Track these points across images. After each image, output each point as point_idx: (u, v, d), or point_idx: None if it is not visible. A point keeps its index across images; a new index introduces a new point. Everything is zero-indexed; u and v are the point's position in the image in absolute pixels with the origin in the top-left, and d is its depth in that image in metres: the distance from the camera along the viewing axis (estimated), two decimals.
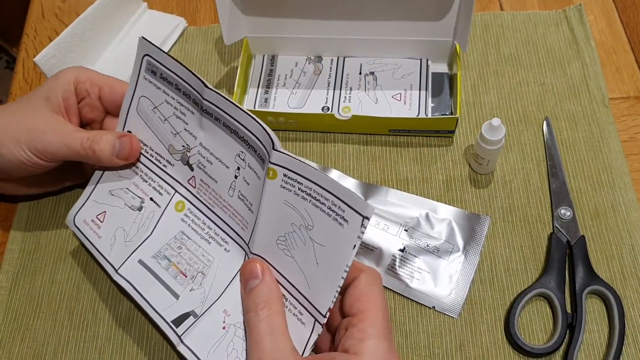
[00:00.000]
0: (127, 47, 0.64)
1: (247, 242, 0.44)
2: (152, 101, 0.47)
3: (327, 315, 0.38)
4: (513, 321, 0.48)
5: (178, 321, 0.43)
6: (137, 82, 0.48)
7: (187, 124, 0.46)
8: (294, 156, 0.39)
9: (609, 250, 0.51)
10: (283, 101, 0.58)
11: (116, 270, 0.46)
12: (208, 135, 0.45)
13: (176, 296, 0.44)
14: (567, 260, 0.50)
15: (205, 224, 0.47)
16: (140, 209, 0.48)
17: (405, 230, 0.52)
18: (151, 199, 0.48)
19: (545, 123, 0.57)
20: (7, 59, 1.35)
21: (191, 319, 0.43)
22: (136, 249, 0.47)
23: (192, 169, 0.47)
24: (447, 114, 0.57)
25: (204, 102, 0.44)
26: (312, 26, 0.58)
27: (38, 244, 0.53)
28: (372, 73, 0.60)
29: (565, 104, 0.59)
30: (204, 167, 0.46)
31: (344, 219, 0.37)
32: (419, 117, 0.56)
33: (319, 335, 0.39)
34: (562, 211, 0.52)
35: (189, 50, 0.65)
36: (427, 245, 0.51)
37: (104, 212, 0.49)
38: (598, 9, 0.66)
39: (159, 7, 0.69)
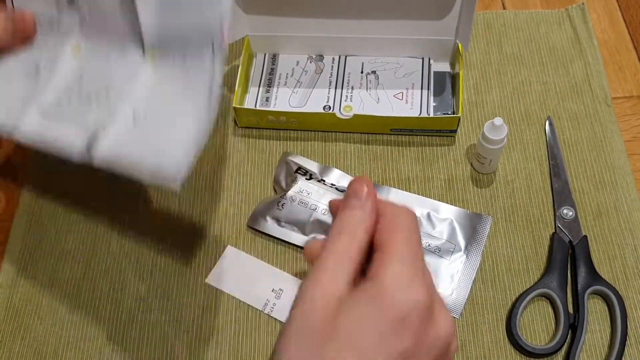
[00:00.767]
0: None
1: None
2: None
3: None
4: (515, 321, 0.47)
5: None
6: None
7: None
8: None
9: (612, 250, 0.51)
10: (284, 100, 0.58)
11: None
12: None
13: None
14: (569, 260, 0.50)
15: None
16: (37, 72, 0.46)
17: None
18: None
19: (547, 122, 0.57)
20: None
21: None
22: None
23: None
24: (449, 113, 0.56)
25: None
26: (313, 25, 0.58)
27: (38, 244, 0.53)
28: (373, 72, 0.59)
29: (567, 103, 0.58)
30: None
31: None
32: (420, 116, 0.56)
33: None
34: (565, 211, 0.52)
35: None
36: (429, 245, 0.51)
37: None
38: (601, 8, 0.66)
39: None
